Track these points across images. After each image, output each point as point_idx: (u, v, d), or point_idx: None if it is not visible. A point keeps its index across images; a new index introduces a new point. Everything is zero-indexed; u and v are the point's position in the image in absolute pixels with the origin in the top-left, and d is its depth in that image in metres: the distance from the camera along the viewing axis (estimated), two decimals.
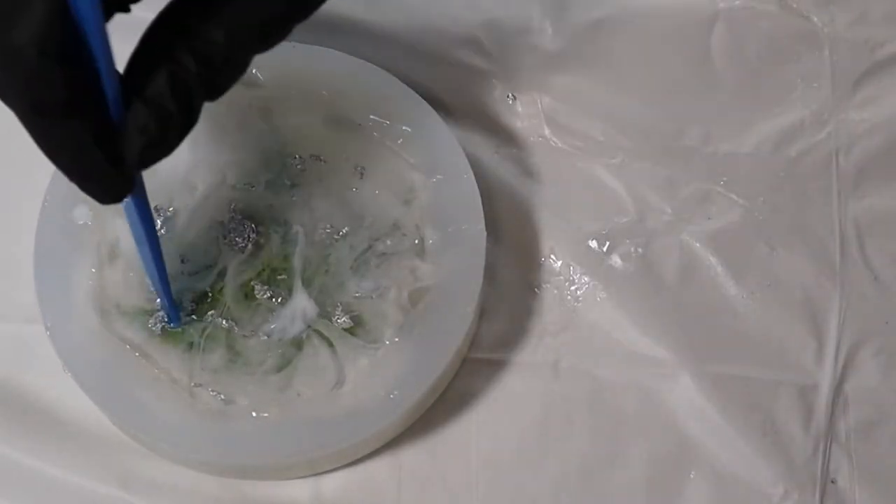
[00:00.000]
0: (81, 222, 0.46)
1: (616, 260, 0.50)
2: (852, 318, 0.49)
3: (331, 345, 0.44)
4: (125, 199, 0.35)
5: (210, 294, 0.45)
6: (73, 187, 0.46)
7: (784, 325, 0.49)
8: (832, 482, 0.47)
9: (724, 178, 0.52)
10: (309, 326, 0.45)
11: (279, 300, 0.45)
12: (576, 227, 0.51)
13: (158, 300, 0.44)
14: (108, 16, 0.31)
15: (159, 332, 0.44)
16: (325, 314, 0.45)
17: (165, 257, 0.42)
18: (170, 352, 0.44)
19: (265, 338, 0.44)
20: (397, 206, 0.47)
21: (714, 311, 0.49)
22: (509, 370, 0.48)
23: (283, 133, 0.48)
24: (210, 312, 0.45)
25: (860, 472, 0.47)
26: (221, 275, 0.45)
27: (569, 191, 0.51)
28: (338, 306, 0.45)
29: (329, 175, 0.48)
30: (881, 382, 0.48)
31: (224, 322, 0.45)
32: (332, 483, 0.46)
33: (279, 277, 0.46)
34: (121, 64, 0.32)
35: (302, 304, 0.45)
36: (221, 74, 0.33)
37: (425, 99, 0.49)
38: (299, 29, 0.46)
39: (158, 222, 0.45)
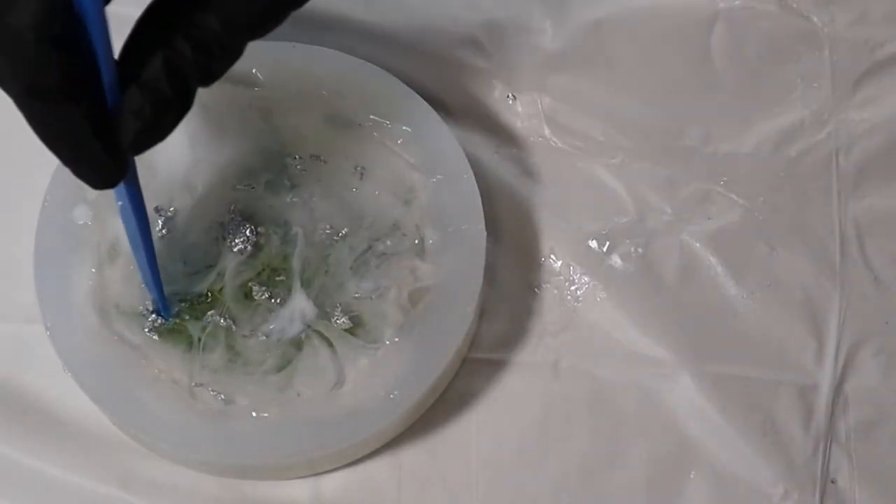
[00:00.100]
0: (81, 222, 0.46)
1: (616, 260, 0.50)
2: (852, 318, 0.49)
3: (331, 345, 0.44)
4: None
5: (210, 294, 0.45)
6: (74, 187, 0.46)
7: (784, 325, 0.49)
8: (832, 482, 0.47)
9: (724, 178, 0.52)
10: (308, 327, 0.45)
11: (278, 301, 0.45)
12: (576, 227, 0.51)
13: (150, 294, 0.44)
14: (106, 0, 0.31)
15: (159, 332, 0.44)
16: (324, 315, 0.45)
17: (165, 257, 0.42)
18: (170, 352, 0.44)
19: (264, 338, 0.44)
20: (397, 206, 0.47)
21: (714, 311, 0.49)
22: (509, 370, 0.48)
23: (283, 133, 0.48)
24: (210, 312, 0.45)
25: (860, 472, 0.47)
26: (221, 275, 0.45)
27: (569, 191, 0.51)
28: (337, 307, 0.45)
29: (329, 175, 0.48)
30: (881, 382, 0.48)
31: (224, 322, 0.45)
32: (332, 483, 0.46)
33: (278, 278, 0.46)
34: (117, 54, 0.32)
35: (300, 304, 0.45)
36: (217, 60, 0.33)
37: (425, 99, 0.49)
38: (299, 29, 0.46)
39: (159, 223, 0.45)
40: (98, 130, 0.31)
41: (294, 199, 0.47)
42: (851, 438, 0.48)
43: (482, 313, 0.49)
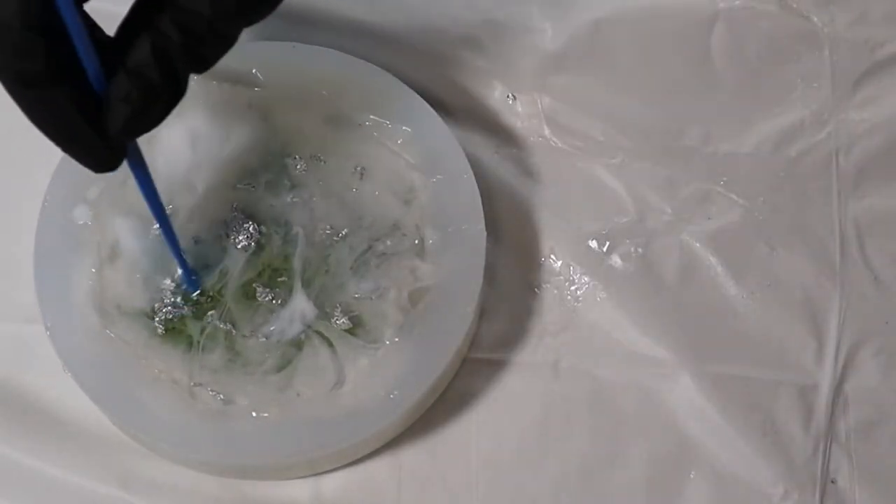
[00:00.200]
0: (81, 222, 0.46)
1: (616, 260, 0.50)
2: (852, 318, 0.49)
3: (331, 345, 0.44)
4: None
5: (210, 294, 0.45)
6: (74, 187, 0.46)
7: (784, 325, 0.49)
8: (832, 482, 0.47)
9: (724, 178, 0.52)
10: (308, 327, 0.45)
11: (279, 301, 0.45)
12: (576, 227, 0.51)
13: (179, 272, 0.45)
14: None
15: (159, 333, 0.44)
16: (324, 315, 0.45)
17: (166, 257, 0.42)
18: (170, 352, 0.44)
19: (264, 339, 0.44)
20: (397, 206, 0.47)
21: (714, 311, 0.49)
22: (509, 370, 0.48)
23: (283, 133, 0.48)
24: (210, 312, 0.45)
25: (860, 472, 0.47)
26: (225, 273, 0.45)
27: (569, 191, 0.51)
28: (337, 307, 0.45)
29: (329, 175, 0.48)
30: (881, 382, 0.48)
31: (223, 323, 0.45)
32: (332, 483, 0.46)
33: (279, 279, 0.46)
34: None
35: (301, 305, 0.45)
36: (206, 45, 0.33)
37: (425, 99, 0.49)
38: (299, 29, 0.46)
39: None
40: (90, 116, 0.32)
41: (294, 199, 0.47)
42: (851, 438, 0.48)
43: (482, 313, 0.49)
